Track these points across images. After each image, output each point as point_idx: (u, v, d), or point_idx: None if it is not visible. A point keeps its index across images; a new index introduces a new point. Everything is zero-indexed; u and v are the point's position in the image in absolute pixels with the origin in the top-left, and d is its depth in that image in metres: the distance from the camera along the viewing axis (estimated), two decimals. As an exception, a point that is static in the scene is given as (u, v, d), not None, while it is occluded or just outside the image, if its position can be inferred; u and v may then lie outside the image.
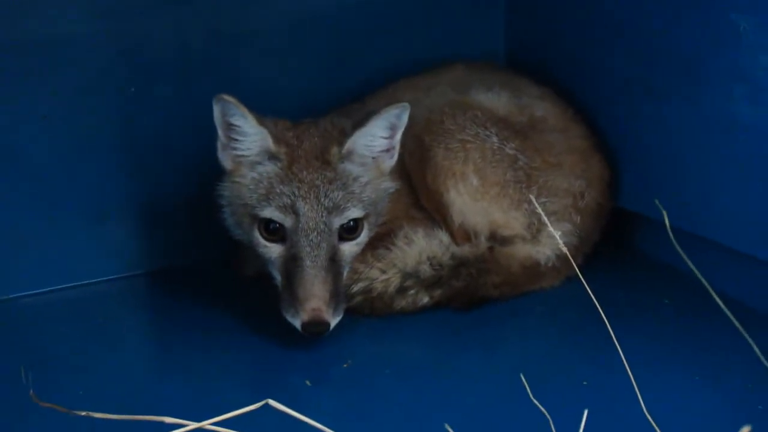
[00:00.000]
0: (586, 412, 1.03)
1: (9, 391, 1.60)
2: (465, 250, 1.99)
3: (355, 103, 2.25)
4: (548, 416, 1.21)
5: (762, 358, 1.06)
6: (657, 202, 1.49)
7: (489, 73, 2.33)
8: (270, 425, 1.21)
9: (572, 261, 1.62)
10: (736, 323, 1.01)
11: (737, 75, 1.78)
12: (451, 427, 1.22)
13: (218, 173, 1.90)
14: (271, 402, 1.11)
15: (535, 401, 1.22)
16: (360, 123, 1.82)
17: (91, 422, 1.19)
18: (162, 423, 1.09)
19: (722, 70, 1.83)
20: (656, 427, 1.25)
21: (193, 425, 1.03)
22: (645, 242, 2.28)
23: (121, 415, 1.12)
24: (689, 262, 1.10)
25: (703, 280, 1.18)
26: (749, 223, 1.84)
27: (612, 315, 1.34)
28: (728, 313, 1.02)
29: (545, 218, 1.67)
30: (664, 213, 1.17)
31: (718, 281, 1.95)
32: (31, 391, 1.23)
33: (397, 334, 1.89)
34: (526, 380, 1.34)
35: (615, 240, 2.29)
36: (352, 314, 1.89)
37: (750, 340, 1.06)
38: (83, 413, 1.15)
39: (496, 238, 2.04)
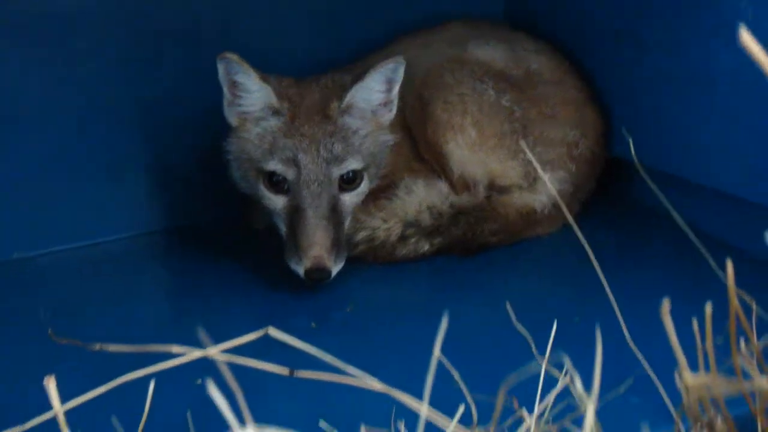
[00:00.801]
0: (555, 322, 1.09)
1: (29, 334, 1.70)
2: (463, 199, 2.07)
3: (357, 63, 2.31)
4: (530, 339, 1.29)
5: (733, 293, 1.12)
6: (629, 139, 1.54)
7: (486, 30, 2.39)
8: (272, 357, 1.29)
9: (564, 207, 1.70)
10: (706, 254, 1.06)
11: (719, 23, 1.84)
12: (444, 356, 1.30)
13: (226, 132, 1.98)
14: (272, 330, 1.18)
15: (519, 325, 1.29)
16: (358, 78, 1.89)
17: (105, 357, 1.26)
18: (170, 353, 1.17)
19: (705, 20, 1.88)
20: (638, 352, 1.32)
21: (198, 352, 1.11)
22: (642, 192, 2.34)
23: (132, 346, 1.19)
24: (662, 197, 1.16)
25: (675, 214, 1.24)
26: (732, 166, 1.90)
27: (604, 258, 1.40)
28: (699, 244, 1.08)
29: (536, 163, 1.75)
30: (632, 148, 1.23)
31: (705, 223, 2.04)
32: (50, 330, 1.32)
33: (399, 279, 1.96)
34: (517, 315, 1.41)
35: (611, 190, 2.36)
36: (355, 262, 1.98)
37: (720, 272, 1.12)
38: (97, 346, 1.23)
39: (494, 188, 2.11)
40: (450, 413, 1.01)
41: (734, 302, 0.70)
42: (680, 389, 0.81)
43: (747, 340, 0.83)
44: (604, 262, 1.37)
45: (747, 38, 0.51)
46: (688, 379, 0.68)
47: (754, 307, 0.92)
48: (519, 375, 0.92)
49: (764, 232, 0.91)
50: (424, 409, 0.90)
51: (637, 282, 1.84)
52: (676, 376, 0.78)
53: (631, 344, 1.32)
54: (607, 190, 2.34)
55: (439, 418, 1.06)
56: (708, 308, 0.73)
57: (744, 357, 0.78)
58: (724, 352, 0.87)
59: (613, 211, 2.30)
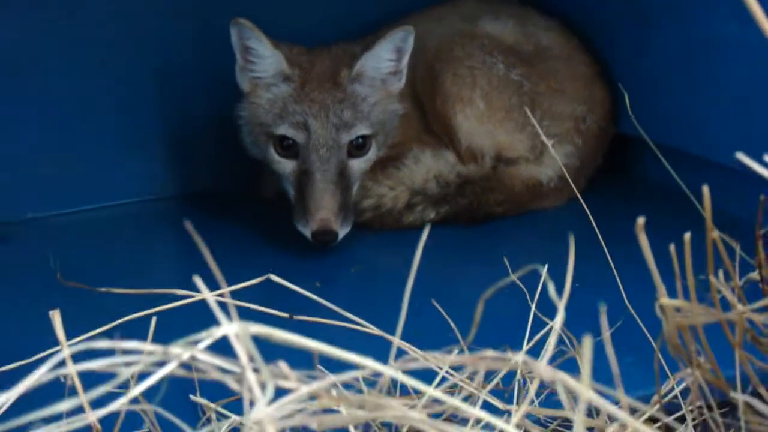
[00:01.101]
0: (545, 267, 1.11)
1: (40, 284, 1.76)
2: (470, 169, 2.10)
3: (368, 36, 2.34)
4: (526, 292, 1.31)
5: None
6: (631, 115, 1.56)
7: (498, 5, 2.41)
8: (274, 304, 1.32)
9: (569, 179, 1.72)
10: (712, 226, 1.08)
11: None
12: (443, 308, 1.34)
13: (237, 96, 2.01)
14: (272, 276, 1.22)
15: (516, 279, 1.32)
16: (368, 46, 1.93)
17: (111, 300, 1.29)
18: (174, 295, 1.20)
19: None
20: (636, 315, 1.34)
21: (200, 295, 1.14)
22: (649, 168, 2.36)
23: (137, 290, 1.23)
24: (670, 169, 1.18)
25: (684, 187, 1.27)
26: (738, 139, 1.91)
27: (609, 229, 1.44)
28: (706, 215, 1.11)
29: (542, 134, 1.78)
30: (637, 124, 1.25)
31: (720, 202, 2.05)
32: (58, 274, 1.35)
33: (404, 246, 1.97)
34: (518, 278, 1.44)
35: (618, 166, 2.38)
36: (362, 229, 2.02)
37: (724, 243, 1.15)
38: (103, 289, 1.27)
39: (501, 159, 2.14)
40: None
41: (710, 225, 0.73)
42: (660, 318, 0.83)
43: (729, 278, 0.86)
44: (608, 235, 1.41)
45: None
46: (665, 301, 0.71)
47: (738, 250, 0.94)
48: (495, 289, 0.94)
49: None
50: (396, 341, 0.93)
51: (640, 255, 1.86)
52: (656, 305, 0.80)
53: (629, 307, 1.35)
54: (614, 165, 2.36)
55: (433, 359, 1.09)
56: (686, 237, 0.76)
57: (724, 287, 0.81)
58: (706, 289, 0.89)
59: (619, 187, 2.32)
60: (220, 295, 0.98)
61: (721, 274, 0.84)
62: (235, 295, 1.17)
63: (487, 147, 2.13)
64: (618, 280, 1.37)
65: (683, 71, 2.04)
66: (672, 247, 0.79)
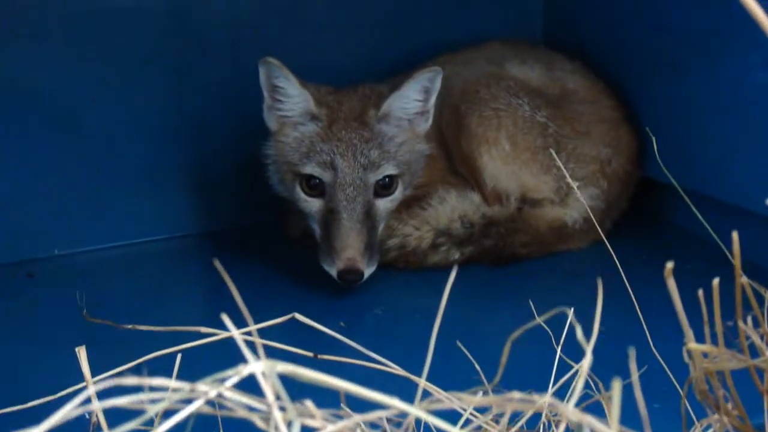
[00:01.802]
0: (572, 310, 1.11)
1: (66, 321, 1.77)
2: (495, 210, 2.10)
3: (395, 78, 2.36)
4: (551, 334, 1.30)
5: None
6: (659, 161, 1.55)
7: (524, 49, 2.44)
8: (298, 343, 1.32)
9: (595, 221, 1.72)
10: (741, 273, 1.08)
11: (753, 43, 1.85)
12: (468, 351, 1.33)
13: (265, 137, 2.03)
14: (297, 315, 1.22)
15: (541, 322, 1.31)
16: (395, 86, 1.94)
17: (136, 337, 1.30)
18: (198, 333, 1.21)
19: (739, 40, 1.90)
20: (662, 360, 1.33)
21: (225, 334, 1.14)
22: (676, 214, 2.35)
23: (162, 327, 1.24)
24: (698, 215, 1.18)
25: (713, 234, 1.26)
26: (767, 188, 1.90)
27: (635, 274, 1.43)
28: (737, 266, 1.10)
29: (567, 175, 1.78)
30: (664, 168, 1.25)
31: (748, 250, 2.03)
32: (84, 311, 1.36)
33: (429, 286, 1.99)
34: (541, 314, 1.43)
35: (644, 210, 2.37)
36: (387, 268, 2.02)
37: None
38: (129, 326, 1.28)
39: (526, 201, 2.15)
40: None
41: (738, 270, 0.73)
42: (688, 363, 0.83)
43: (757, 324, 0.85)
44: (633, 278, 1.40)
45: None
46: (693, 345, 0.71)
47: (767, 296, 0.94)
48: (522, 331, 0.94)
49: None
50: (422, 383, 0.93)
51: (667, 299, 1.85)
52: (684, 350, 0.80)
53: (656, 353, 1.34)
54: (641, 210, 2.35)
55: (457, 401, 1.08)
56: (715, 282, 0.76)
57: (752, 333, 0.80)
58: (734, 335, 0.89)
59: (645, 231, 2.31)
60: (247, 333, 0.98)
61: (749, 320, 0.83)
62: (260, 333, 1.18)
63: (513, 188, 2.13)
64: (644, 324, 1.36)
65: (712, 117, 2.04)
66: (700, 293, 0.78)
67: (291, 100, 1.94)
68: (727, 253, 0.94)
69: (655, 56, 2.22)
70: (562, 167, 2.07)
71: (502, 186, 2.13)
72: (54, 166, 2.22)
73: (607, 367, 0.98)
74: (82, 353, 1.01)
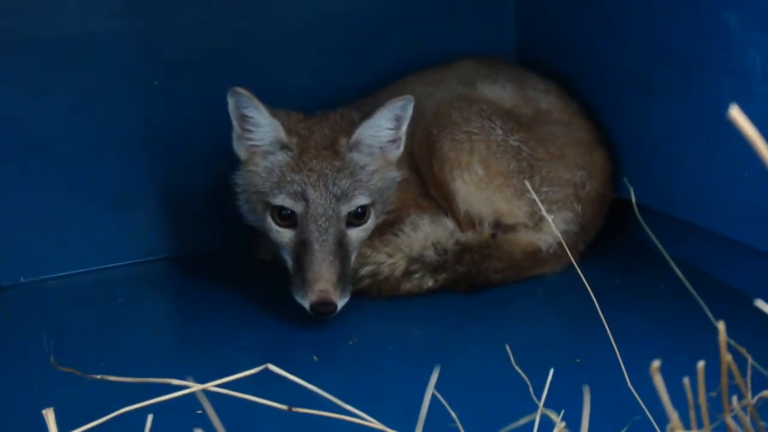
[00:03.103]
0: (551, 371, 1.09)
1: (33, 361, 1.72)
2: (469, 236, 2.08)
3: (367, 97, 2.34)
4: (528, 381, 1.29)
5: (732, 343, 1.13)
6: (626, 180, 1.55)
7: (496, 68, 2.41)
8: (272, 392, 1.30)
9: (566, 247, 1.71)
10: (700, 300, 1.07)
11: (728, 69, 1.85)
12: (443, 396, 1.31)
13: (235, 163, 2.00)
14: (270, 366, 1.19)
15: (517, 368, 1.30)
16: (367, 115, 1.92)
17: (105, 386, 1.27)
18: (169, 385, 1.18)
19: (714, 65, 1.90)
20: (639, 398, 1.32)
21: (197, 387, 1.12)
22: (647, 233, 2.34)
23: (132, 378, 1.21)
24: (650, 233, 1.17)
25: (663, 250, 1.25)
26: (741, 212, 1.90)
27: (608, 299, 1.42)
28: (689, 286, 1.09)
29: (540, 204, 1.77)
30: (631, 190, 1.24)
31: (713, 268, 2.04)
32: (52, 358, 1.33)
33: (402, 314, 1.98)
34: (517, 354, 1.42)
35: (618, 231, 2.36)
36: (360, 296, 1.99)
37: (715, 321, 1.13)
38: (98, 377, 1.24)
39: (500, 226, 2.12)
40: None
41: (725, 360, 0.71)
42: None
43: (741, 396, 0.84)
44: (607, 303, 1.39)
45: (737, 116, 0.52)
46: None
47: (750, 360, 0.92)
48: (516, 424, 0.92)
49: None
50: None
51: (639, 325, 1.85)
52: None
53: (632, 389, 1.33)
54: (615, 231, 2.34)
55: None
56: (700, 366, 0.74)
57: (738, 413, 0.78)
58: (718, 407, 0.87)
59: (619, 253, 2.30)
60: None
61: (734, 399, 0.82)
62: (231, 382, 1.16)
63: (486, 213, 2.11)
64: (617, 353, 1.34)
65: (685, 140, 2.03)
66: (686, 381, 0.76)
67: (261, 129, 1.90)
68: (668, 258, 0.93)
69: (627, 76, 2.21)
70: (536, 198, 2.05)
71: (475, 211, 2.11)
72: (19, 192, 2.18)
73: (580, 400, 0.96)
74: (50, 416, 0.98)
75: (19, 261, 2.20)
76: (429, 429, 1.12)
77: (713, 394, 0.83)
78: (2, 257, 2.17)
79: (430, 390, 0.82)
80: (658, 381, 0.67)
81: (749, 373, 0.90)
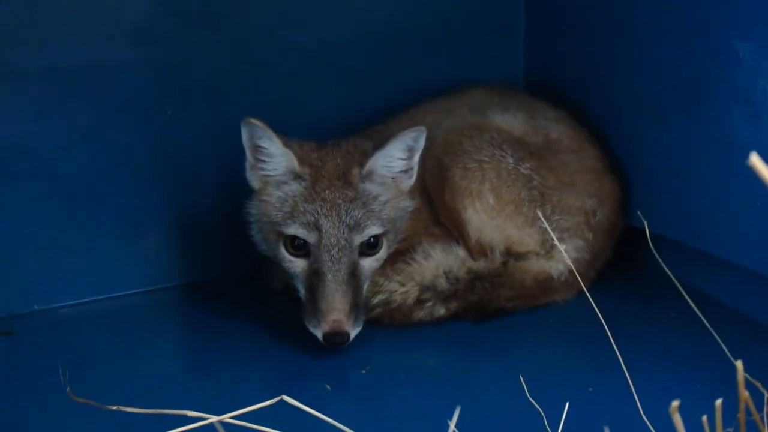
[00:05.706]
0: (567, 405, 1.10)
1: (48, 390, 1.72)
2: (480, 264, 2.09)
3: (378, 126, 2.35)
4: (542, 413, 1.30)
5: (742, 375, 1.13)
6: (640, 213, 1.56)
7: (506, 97, 2.42)
8: (287, 423, 1.31)
9: (577, 275, 1.73)
10: (713, 332, 1.08)
11: (737, 98, 1.86)
12: (457, 426, 1.31)
13: (247, 191, 2.01)
14: (286, 398, 1.20)
15: (531, 399, 1.30)
16: (379, 145, 1.93)
17: (121, 417, 1.28)
18: (185, 416, 1.19)
19: (723, 93, 1.91)
20: (653, 430, 1.32)
21: (213, 418, 1.12)
22: (658, 261, 2.34)
23: (148, 410, 1.22)
24: (661, 262, 1.18)
25: (674, 279, 1.26)
26: (753, 240, 1.91)
27: (620, 327, 1.42)
28: (701, 316, 1.09)
29: (551, 232, 1.78)
30: (645, 221, 1.25)
31: (727, 297, 2.04)
32: (68, 388, 1.34)
33: (414, 343, 1.98)
34: (531, 384, 1.42)
35: (630, 259, 2.37)
36: (372, 324, 2.00)
37: (727, 350, 1.13)
38: (114, 407, 1.26)
39: (511, 254, 2.13)
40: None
41: (743, 398, 0.72)
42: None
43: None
44: (618, 331, 1.39)
45: (756, 162, 0.53)
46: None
47: (766, 395, 0.93)
48: None
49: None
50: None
51: (651, 353, 1.85)
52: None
53: (646, 420, 1.33)
54: (626, 259, 2.35)
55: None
56: (718, 404, 0.75)
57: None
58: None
59: (630, 281, 2.31)
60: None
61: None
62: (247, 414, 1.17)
63: (497, 241, 2.12)
64: (630, 382, 1.35)
65: (694, 168, 2.04)
66: (704, 419, 0.77)
67: (274, 159, 1.92)
68: (679, 287, 0.93)
69: (637, 104, 2.22)
70: (547, 226, 2.06)
71: (486, 239, 2.12)
72: (32, 219, 2.19)
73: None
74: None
75: (33, 289, 2.20)
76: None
77: (730, 430, 0.83)
78: (16, 285, 2.18)
79: (452, 427, 0.83)
80: (677, 420, 0.68)
81: (765, 408, 0.90)
